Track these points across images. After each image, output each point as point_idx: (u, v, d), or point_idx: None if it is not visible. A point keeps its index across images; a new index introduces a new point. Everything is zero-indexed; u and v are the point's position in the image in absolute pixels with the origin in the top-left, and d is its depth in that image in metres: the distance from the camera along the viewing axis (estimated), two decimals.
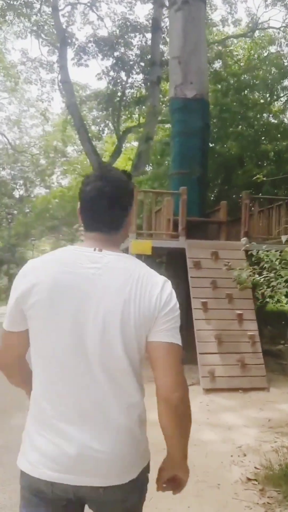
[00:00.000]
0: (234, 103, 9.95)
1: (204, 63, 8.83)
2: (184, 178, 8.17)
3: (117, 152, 18.73)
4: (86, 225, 1.31)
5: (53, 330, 1.19)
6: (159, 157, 11.31)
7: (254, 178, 5.37)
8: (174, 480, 1.36)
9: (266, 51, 13.45)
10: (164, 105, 15.98)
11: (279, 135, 9.49)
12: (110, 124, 19.23)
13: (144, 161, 14.85)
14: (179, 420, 1.23)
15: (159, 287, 1.23)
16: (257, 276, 4.45)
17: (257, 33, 16.46)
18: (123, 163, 20.35)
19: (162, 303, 1.22)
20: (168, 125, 13.21)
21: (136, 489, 1.28)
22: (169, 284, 1.27)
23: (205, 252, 6.87)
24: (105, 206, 1.27)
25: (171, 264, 8.32)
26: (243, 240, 6.36)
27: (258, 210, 7.21)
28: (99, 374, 1.20)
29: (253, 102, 10.36)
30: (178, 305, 1.26)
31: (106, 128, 19.74)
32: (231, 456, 3.80)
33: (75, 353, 1.19)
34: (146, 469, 1.33)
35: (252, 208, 7.14)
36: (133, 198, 1.35)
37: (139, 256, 6.68)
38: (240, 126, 10.15)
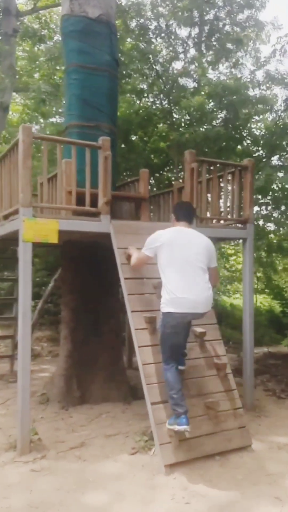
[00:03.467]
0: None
1: None
2: (86, 134, 5.57)
3: None
4: (179, 218, 4.07)
5: (174, 254, 3.73)
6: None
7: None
8: None
9: None
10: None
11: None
12: None
13: None
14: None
15: (211, 243, 3.96)
16: None
17: None
18: None
19: (213, 249, 3.96)
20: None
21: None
22: None
23: (139, 240, 4.48)
24: (189, 212, 4.16)
25: (73, 262, 5.69)
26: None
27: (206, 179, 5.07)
28: (198, 270, 3.73)
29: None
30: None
31: None
32: None
33: (186, 262, 3.70)
34: None
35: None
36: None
37: (25, 248, 4.03)
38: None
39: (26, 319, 4.03)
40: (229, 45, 8.79)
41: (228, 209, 5.40)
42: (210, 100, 7.60)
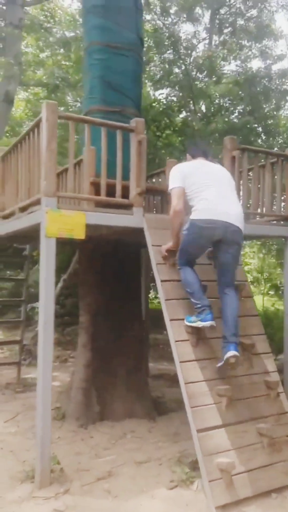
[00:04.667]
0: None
1: None
2: (110, 119, 4.95)
3: None
4: (195, 156, 3.82)
5: (201, 177, 3.53)
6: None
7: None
8: None
9: None
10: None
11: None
12: None
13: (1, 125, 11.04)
14: None
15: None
16: None
17: None
18: None
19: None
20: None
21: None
22: None
23: None
24: (205, 149, 3.92)
25: (94, 262, 5.11)
26: None
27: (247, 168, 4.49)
28: (229, 187, 3.60)
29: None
30: None
31: None
32: None
33: (217, 181, 3.53)
34: None
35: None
36: None
37: (48, 245, 3.46)
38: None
39: (48, 329, 3.45)
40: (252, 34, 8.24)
41: (268, 204, 4.82)
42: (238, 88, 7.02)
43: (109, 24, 5.23)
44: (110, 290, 5.08)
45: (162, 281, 3.66)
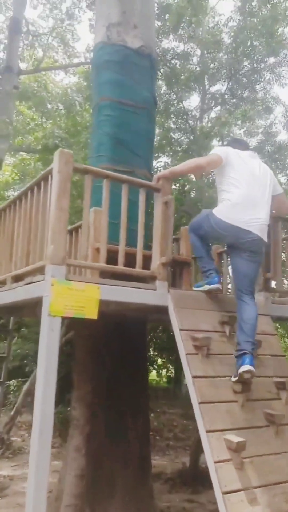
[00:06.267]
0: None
1: (151, 3, 5.50)
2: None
3: None
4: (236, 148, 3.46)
5: (240, 168, 3.23)
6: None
7: None
8: None
9: None
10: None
11: None
12: None
13: None
14: None
15: None
16: None
17: None
18: None
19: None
20: None
21: None
22: None
23: (208, 319, 3.17)
24: (245, 143, 3.67)
25: (92, 342, 4.28)
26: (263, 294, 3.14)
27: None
28: (260, 187, 3.21)
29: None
30: None
31: None
32: None
33: (249, 183, 3.19)
34: None
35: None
36: None
37: (51, 326, 2.70)
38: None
39: (44, 442, 2.55)
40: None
41: None
42: None
43: (123, 80, 4.84)
44: (111, 377, 4.21)
45: (194, 377, 2.85)
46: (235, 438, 2.65)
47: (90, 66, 5.38)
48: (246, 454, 2.67)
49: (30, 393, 8.06)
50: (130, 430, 4.15)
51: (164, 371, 14.43)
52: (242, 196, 3.14)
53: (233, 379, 2.93)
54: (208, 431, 2.69)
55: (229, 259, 4.60)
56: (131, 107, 4.79)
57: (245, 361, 2.86)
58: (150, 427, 4.78)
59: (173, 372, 13.85)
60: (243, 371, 2.82)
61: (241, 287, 3.19)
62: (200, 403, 2.77)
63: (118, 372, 4.23)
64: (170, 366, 13.93)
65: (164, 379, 14.73)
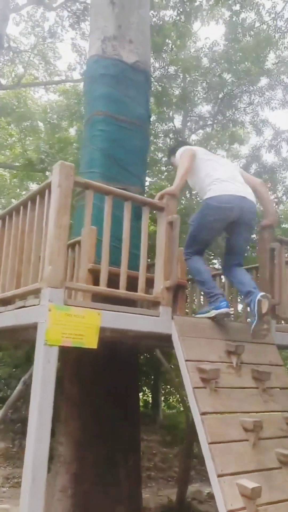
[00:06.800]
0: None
1: (147, 19, 5.39)
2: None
3: None
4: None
5: (212, 162, 3.42)
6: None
7: None
8: None
9: None
10: None
11: None
12: None
13: None
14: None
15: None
16: None
17: None
18: None
19: None
20: None
21: None
22: None
23: (215, 348, 2.94)
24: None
25: (82, 372, 3.97)
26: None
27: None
28: (233, 169, 3.49)
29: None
30: None
31: None
32: None
33: (222, 164, 3.46)
34: None
35: None
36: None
37: (46, 357, 2.41)
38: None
39: (39, 479, 2.22)
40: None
41: None
42: None
43: (118, 95, 4.68)
44: (101, 408, 3.89)
45: (202, 414, 2.59)
46: (249, 483, 2.40)
47: (82, 80, 5.17)
48: (260, 501, 2.42)
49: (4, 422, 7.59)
50: (121, 468, 3.82)
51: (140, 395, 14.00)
52: (224, 174, 3.32)
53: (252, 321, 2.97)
54: (219, 475, 2.43)
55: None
56: (126, 123, 4.61)
57: (259, 293, 2.97)
58: (140, 464, 4.44)
59: (150, 395, 13.44)
60: (260, 298, 2.92)
61: (232, 262, 3.38)
62: (210, 443, 2.50)
63: (109, 403, 3.91)
64: (147, 390, 13.52)
65: (141, 403, 14.29)
